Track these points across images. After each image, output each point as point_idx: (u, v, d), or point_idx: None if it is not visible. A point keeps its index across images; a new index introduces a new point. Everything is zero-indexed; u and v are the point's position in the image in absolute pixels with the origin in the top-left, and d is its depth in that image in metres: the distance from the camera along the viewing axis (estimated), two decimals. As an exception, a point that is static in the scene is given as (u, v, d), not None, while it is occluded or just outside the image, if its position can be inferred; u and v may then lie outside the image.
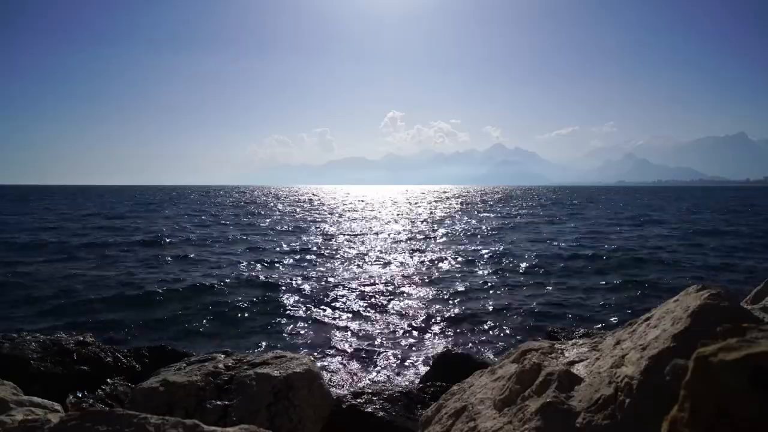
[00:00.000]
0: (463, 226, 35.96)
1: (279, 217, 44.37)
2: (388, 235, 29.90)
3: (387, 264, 18.96)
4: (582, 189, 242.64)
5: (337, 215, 47.83)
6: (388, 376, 8.37)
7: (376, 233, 30.83)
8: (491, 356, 8.62)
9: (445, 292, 14.22)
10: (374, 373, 8.44)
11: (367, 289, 14.71)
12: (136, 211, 50.99)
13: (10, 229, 31.18)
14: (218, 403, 4.28)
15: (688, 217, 42.94)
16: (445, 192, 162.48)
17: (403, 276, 16.59)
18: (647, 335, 2.54)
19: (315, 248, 23.55)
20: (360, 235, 29.89)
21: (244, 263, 19.05)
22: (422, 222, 39.74)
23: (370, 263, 19.17)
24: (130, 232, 30.27)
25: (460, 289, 14.69)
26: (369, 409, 4.70)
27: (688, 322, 2.36)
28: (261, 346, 9.79)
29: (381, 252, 22.31)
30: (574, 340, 3.26)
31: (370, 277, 16.47)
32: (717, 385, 0.97)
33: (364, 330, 10.77)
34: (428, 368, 7.91)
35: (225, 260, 19.72)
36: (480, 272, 17.38)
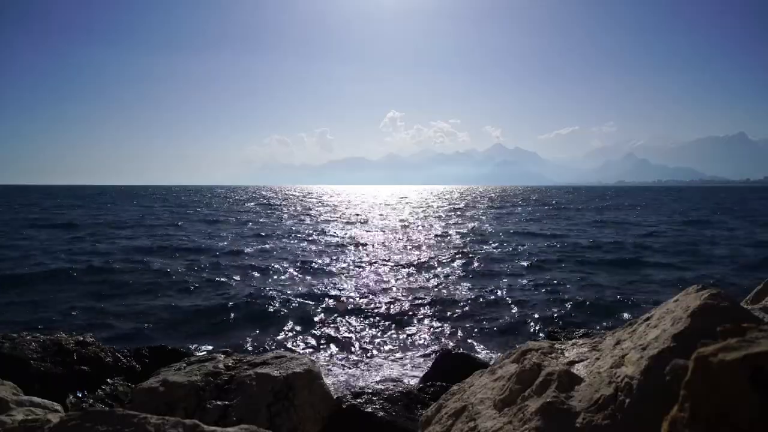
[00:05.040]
0: (465, 227, 35.96)
1: (278, 216, 44.38)
2: (390, 236, 29.88)
3: (387, 265, 18.95)
4: (590, 189, 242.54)
5: (336, 217, 47.79)
6: (388, 376, 8.36)
7: (377, 235, 30.82)
8: (491, 356, 8.62)
9: (445, 293, 14.22)
10: (374, 373, 8.44)
11: (368, 289, 14.71)
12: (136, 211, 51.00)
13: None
14: (218, 403, 4.29)
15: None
16: (460, 193, 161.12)
17: (403, 277, 16.60)
18: (647, 335, 2.54)
19: (315, 248, 23.55)
20: (361, 235, 29.88)
21: (244, 263, 19.05)
22: (423, 223, 39.73)
23: (370, 264, 19.16)
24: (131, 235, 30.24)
25: (461, 289, 14.70)
26: (369, 409, 4.70)
27: (688, 322, 2.36)
28: (261, 346, 9.78)
29: (381, 253, 22.30)
30: (574, 340, 3.26)
31: (371, 277, 16.48)
32: (717, 385, 0.97)
33: (364, 330, 10.77)
34: (428, 368, 7.91)
35: (225, 260, 19.71)
36: (481, 273, 17.38)
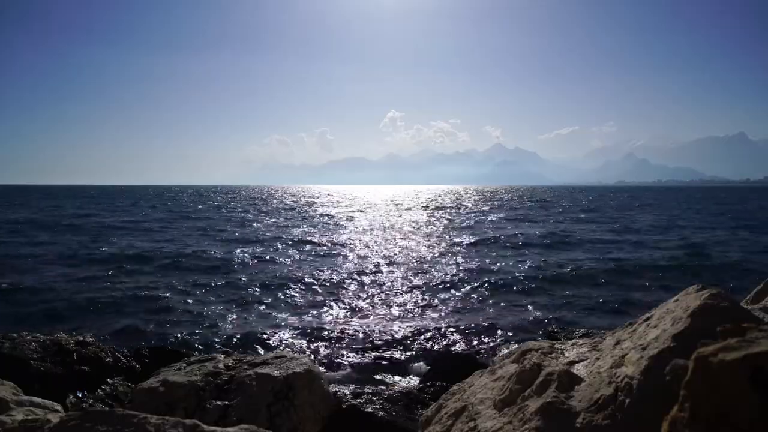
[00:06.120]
0: (466, 226, 35.96)
1: (277, 215, 44.38)
2: (390, 235, 29.88)
3: (388, 265, 18.95)
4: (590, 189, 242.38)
5: (337, 218, 47.78)
6: (388, 376, 8.36)
7: (377, 234, 30.82)
8: (491, 356, 8.62)
9: (445, 293, 14.22)
10: (374, 373, 8.44)
11: (368, 289, 14.71)
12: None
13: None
14: (218, 403, 4.28)
15: None
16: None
17: (403, 277, 16.59)
18: (647, 335, 2.54)
19: (315, 248, 23.55)
20: (361, 235, 29.88)
21: (244, 263, 19.05)
22: (423, 223, 39.72)
23: (370, 264, 19.16)
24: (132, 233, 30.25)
25: (461, 289, 14.69)
26: (369, 409, 4.71)
27: (688, 322, 2.36)
28: (261, 346, 9.78)
29: (382, 253, 22.30)
30: (574, 340, 3.26)
31: (371, 277, 16.47)
32: (717, 385, 0.97)
33: (364, 330, 10.76)
34: (428, 368, 7.91)
35: (225, 260, 19.71)
36: (481, 273, 17.37)
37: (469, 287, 14.88)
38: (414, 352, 9.43)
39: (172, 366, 5.02)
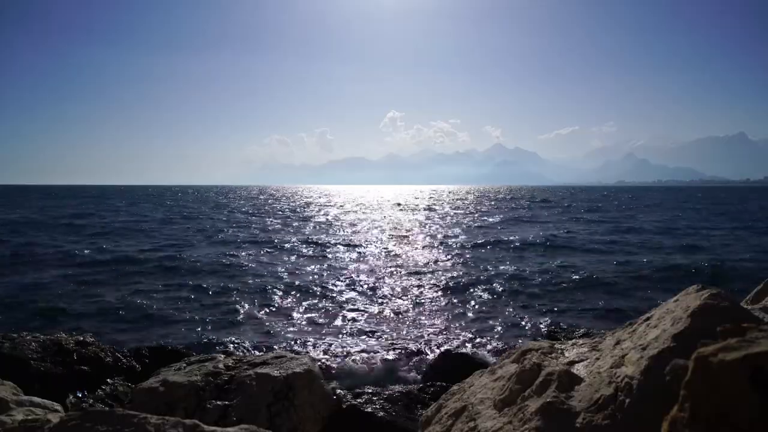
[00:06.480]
0: (466, 226, 35.95)
1: (277, 216, 44.38)
2: (390, 236, 29.88)
3: (387, 266, 18.95)
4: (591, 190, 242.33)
5: (337, 215, 47.79)
6: (388, 376, 8.36)
7: (378, 234, 30.82)
8: (491, 356, 8.62)
9: (445, 294, 14.22)
10: (374, 373, 8.44)
11: (368, 289, 14.71)
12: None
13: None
14: (218, 403, 4.29)
15: None
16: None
17: (403, 277, 16.59)
18: (647, 335, 2.54)
19: (315, 248, 23.55)
20: (361, 236, 29.88)
21: (244, 264, 19.05)
22: (424, 223, 39.72)
23: (370, 264, 19.16)
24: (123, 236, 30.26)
25: (461, 290, 14.68)
26: (369, 409, 4.71)
27: (688, 322, 2.36)
28: (261, 346, 9.78)
29: (382, 253, 22.30)
30: (574, 340, 3.26)
31: (371, 277, 16.47)
32: (717, 385, 0.97)
33: (364, 330, 10.77)
34: (428, 368, 7.92)
35: (225, 260, 19.72)
36: (481, 273, 17.37)
37: (469, 288, 14.88)
38: (414, 352, 9.43)
39: (172, 366, 5.03)
